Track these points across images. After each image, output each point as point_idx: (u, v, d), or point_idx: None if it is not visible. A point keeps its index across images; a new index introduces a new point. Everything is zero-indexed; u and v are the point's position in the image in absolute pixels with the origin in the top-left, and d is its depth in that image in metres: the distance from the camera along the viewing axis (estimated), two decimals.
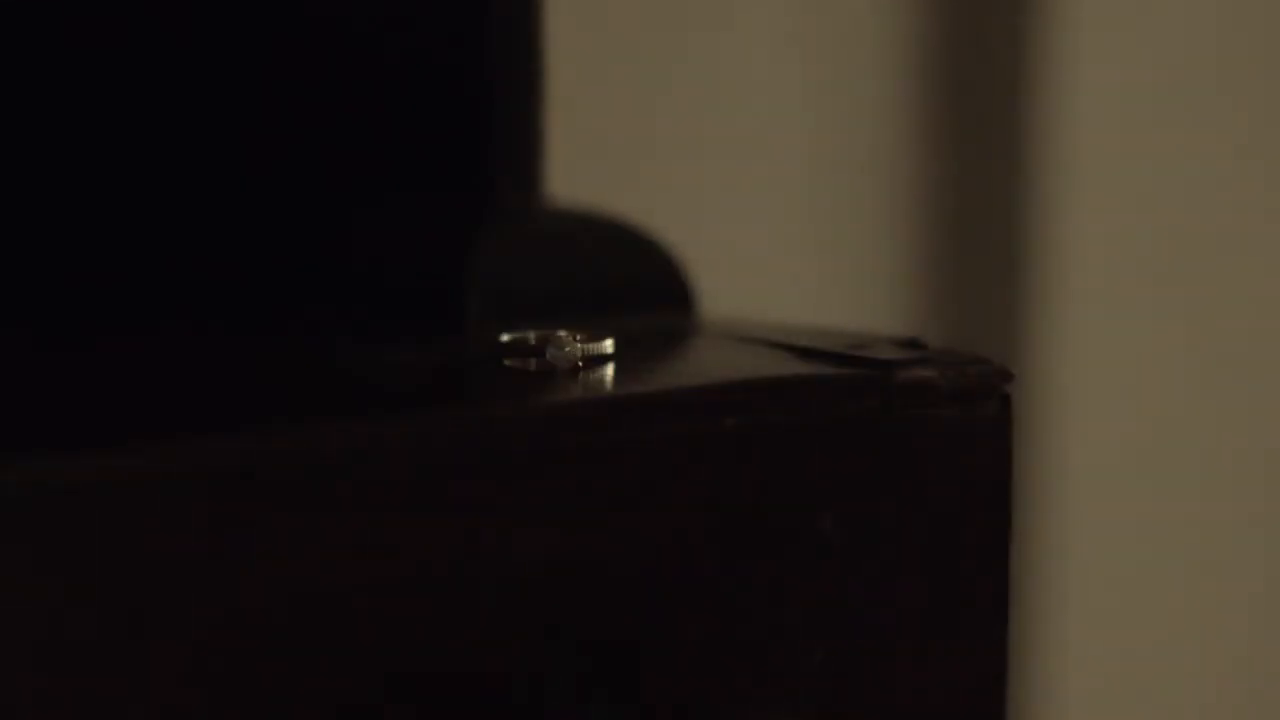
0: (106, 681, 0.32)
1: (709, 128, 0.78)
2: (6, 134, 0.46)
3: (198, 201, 0.47)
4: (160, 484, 0.32)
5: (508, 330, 0.42)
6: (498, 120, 0.50)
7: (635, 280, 0.49)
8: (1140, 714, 1.20)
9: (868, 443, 0.38)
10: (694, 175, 0.76)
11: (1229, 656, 1.22)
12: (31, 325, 0.46)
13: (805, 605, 0.38)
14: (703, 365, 0.42)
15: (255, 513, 0.33)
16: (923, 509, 0.39)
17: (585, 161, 0.65)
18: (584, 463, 0.36)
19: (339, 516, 0.34)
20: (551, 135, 0.51)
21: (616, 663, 0.36)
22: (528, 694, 0.36)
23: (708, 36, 0.79)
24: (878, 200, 0.90)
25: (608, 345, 0.41)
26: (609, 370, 0.41)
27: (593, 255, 0.50)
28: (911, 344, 0.41)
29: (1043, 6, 0.85)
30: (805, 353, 0.41)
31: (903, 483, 0.39)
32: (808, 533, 0.38)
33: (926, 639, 0.39)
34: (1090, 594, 1.18)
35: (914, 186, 0.91)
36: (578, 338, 0.41)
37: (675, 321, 0.47)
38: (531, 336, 0.42)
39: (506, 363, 0.41)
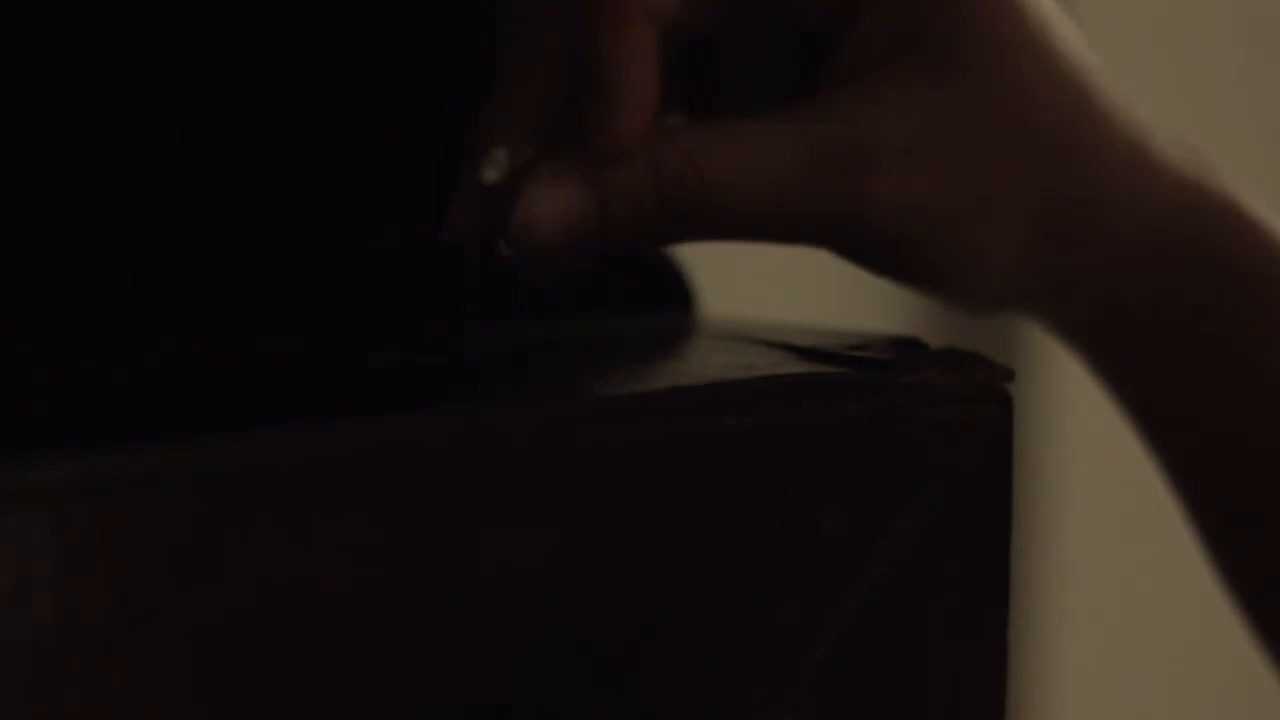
0: (107, 680, 0.32)
1: None
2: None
3: (196, 203, 0.47)
4: (160, 484, 0.32)
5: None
6: None
7: (635, 280, 0.49)
8: (1139, 714, 1.20)
9: (868, 443, 0.38)
10: None
11: (1228, 655, 1.22)
12: (35, 329, 0.46)
13: (805, 605, 0.38)
14: (703, 365, 0.42)
15: (255, 513, 0.33)
16: (923, 509, 0.39)
17: None
18: (584, 463, 0.36)
19: (339, 516, 0.34)
20: None
21: (616, 663, 0.36)
22: (528, 694, 0.36)
23: None
24: None
25: (534, 154, 0.40)
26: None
27: None
28: (911, 344, 0.41)
29: None
30: (805, 353, 0.41)
31: (903, 483, 0.39)
32: (808, 533, 0.38)
33: (926, 639, 0.39)
34: (1090, 594, 1.18)
35: None
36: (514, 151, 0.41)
37: (675, 321, 0.47)
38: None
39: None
